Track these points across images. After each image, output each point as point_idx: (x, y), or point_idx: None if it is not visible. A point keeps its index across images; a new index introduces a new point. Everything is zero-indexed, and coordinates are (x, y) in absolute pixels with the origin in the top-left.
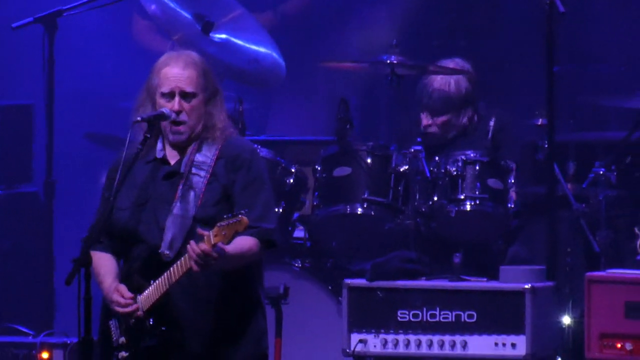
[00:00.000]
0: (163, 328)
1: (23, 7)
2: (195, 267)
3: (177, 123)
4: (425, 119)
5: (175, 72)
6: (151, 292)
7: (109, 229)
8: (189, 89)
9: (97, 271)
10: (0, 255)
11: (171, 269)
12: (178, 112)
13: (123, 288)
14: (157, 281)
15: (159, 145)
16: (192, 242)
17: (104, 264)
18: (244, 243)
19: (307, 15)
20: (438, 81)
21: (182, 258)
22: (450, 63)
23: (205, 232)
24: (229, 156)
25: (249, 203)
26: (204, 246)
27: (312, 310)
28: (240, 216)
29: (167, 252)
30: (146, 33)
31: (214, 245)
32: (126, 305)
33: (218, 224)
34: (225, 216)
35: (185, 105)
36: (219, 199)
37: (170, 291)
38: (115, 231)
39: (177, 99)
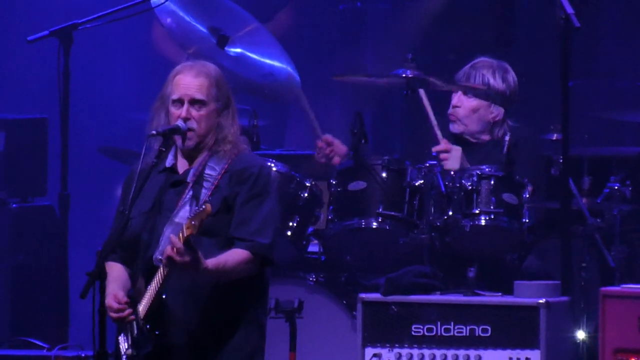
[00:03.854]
0: (157, 332)
1: (38, 20)
2: (171, 254)
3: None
4: (456, 99)
5: (187, 79)
6: (147, 297)
7: (123, 240)
8: (197, 96)
9: (107, 281)
10: (15, 269)
11: (157, 272)
12: (185, 119)
13: (120, 294)
14: (150, 286)
15: (171, 155)
16: (171, 235)
17: (112, 272)
18: (230, 256)
19: (322, 28)
20: (485, 64)
21: (162, 259)
22: (493, 63)
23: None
24: (236, 170)
25: (247, 217)
26: (174, 238)
27: (327, 324)
28: (205, 204)
29: (160, 257)
30: (165, 40)
31: (187, 238)
32: (118, 310)
33: (188, 217)
34: (195, 208)
35: (194, 112)
36: (218, 210)
37: (168, 297)
38: (125, 240)
39: (185, 105)
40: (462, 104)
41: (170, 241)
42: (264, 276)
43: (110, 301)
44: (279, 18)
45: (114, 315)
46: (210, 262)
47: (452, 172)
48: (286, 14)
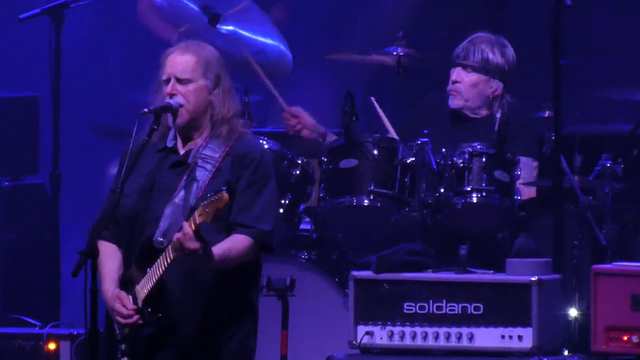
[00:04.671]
0: (159, 315)
1: None
2: (181, 239)
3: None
4: (455, 74)
5: (173, 58)
6: (146, 280)
7: (116, 217)
8: (181, 75)
9: (99, 266)
10: (7, 247)
11: (162, 255)
12: (171, 95)
13: (125, 298)
14: (151, 269)
15: (171, 135)
16: (185, 222)
17: (106, 260)
18: (233, 244)
19: (313, 7)
20: (483, 39)
21: (171, 244)
22: (491, 38)
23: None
24: (238, 154)
25: (249, 203)
26: (186, 224)
27: (319, 302)
28: (221, 193)
29: (161, 239)
30: (150, 13)
31: (199, 225)
32: (128, 317)
33: (202, 203)
34: (208, 195)
35: (181, 89)
36: None
37: (166, 280)
38: (119, 217)
39: (171, 82)
40: (462, 79)
41: (182, 227)
42: (258, 260)
43: (118, 307)
44: (274, 12)
45: (121, 320)
46: (216, 252)
47: (443, 150)
48: (281, 8)
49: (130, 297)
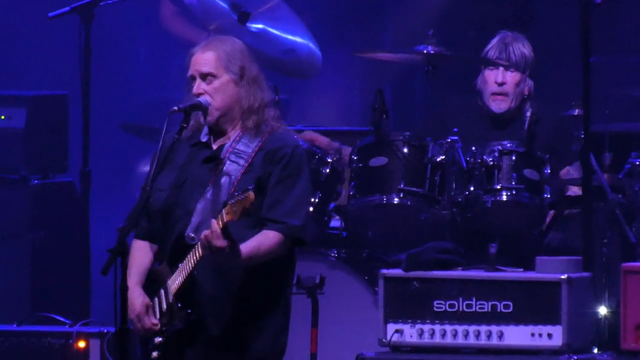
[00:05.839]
0: (189, 311)
1: None
2: (209, 237)
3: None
4: (500, 76)
5: (196, 56)
6: (177, 275)
7: (148, 211)
8: (204, 69)
9: (129, 262)
10: (37, 245)
11: (191, 251)
12: (198, 95)
13: (150, 308)
14: (182, 264)
15: (205, 129)
16: (213, 220)
17: (136, 258)
18: (262, 241)
19: (343, 4)
20: (514, 37)
21: (199, 241)
22: (518, 35)
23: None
24: (270, 149)
25: (280, 198)
26: (214, 223)
27: (348, 300)
28: (247, 192)
29: (192, 235)
30: (173, 18)
31: (226, 224)
32: (152, 326)
33: (229, 202)
34: (236, 193)
35: (206, 87)
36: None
37: (197, 275)
38: (152, 212)
39: (197, 81)
40: (507, 80)
41: (210, 226)
42: (292, 256)
43: (143, 320)
44: None
45: (138, 327)
46: (244, 250)
47: (473, 148)
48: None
49: (162, 291)
